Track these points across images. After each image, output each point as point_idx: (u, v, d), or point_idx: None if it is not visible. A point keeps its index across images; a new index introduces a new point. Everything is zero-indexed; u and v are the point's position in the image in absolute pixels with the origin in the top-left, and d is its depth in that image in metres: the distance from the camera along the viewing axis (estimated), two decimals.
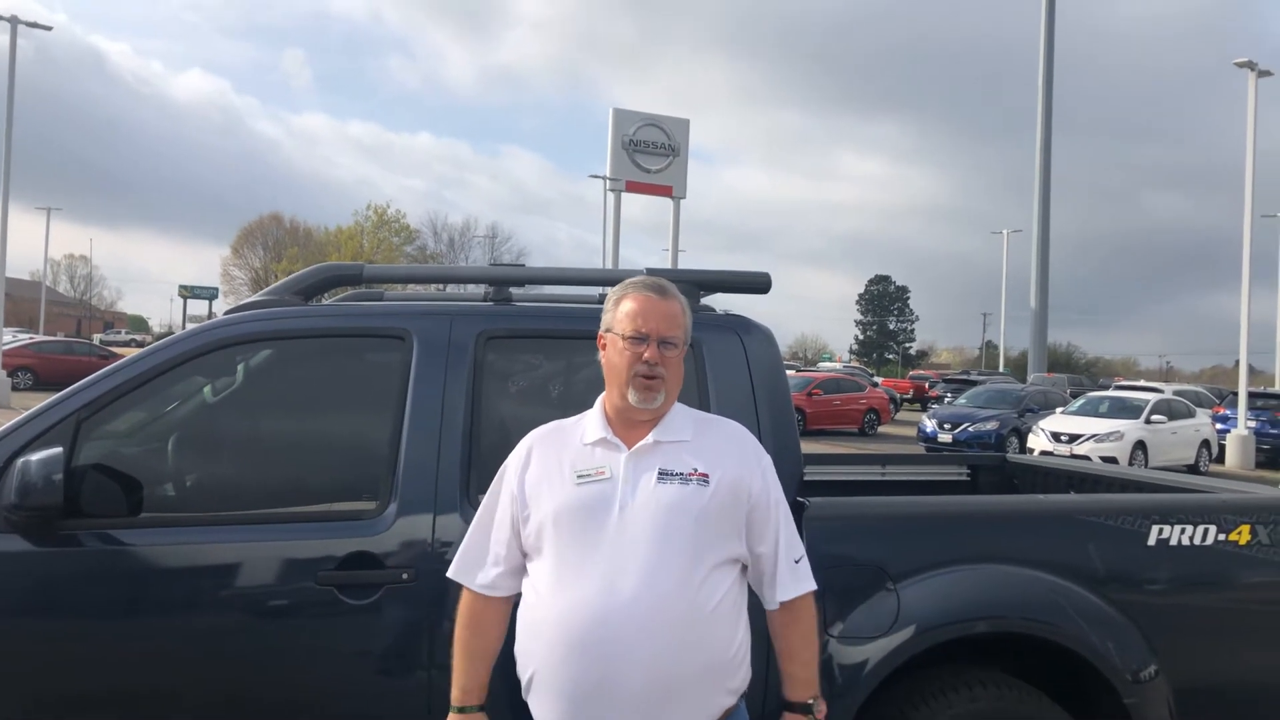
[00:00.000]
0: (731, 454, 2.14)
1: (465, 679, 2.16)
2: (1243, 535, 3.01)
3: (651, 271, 3.01)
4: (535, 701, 2.06)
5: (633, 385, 2.08)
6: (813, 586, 2.18)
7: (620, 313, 2.13)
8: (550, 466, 2.12)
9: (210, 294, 67.31)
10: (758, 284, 3.24)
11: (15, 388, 25.19)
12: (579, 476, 2.07)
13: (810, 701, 2.14)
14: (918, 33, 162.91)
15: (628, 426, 2.12)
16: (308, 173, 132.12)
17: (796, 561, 2.17)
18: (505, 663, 2.15)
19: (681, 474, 2.06)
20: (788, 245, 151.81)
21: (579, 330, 2.91)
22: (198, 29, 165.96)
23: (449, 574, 2.22)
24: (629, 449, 2.09)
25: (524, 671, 2.08)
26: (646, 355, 2.07)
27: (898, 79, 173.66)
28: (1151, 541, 2.94)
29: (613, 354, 2.13)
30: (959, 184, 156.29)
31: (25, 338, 34.66)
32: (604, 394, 2.18)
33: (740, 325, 3.06)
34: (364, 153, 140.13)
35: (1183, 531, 2.97)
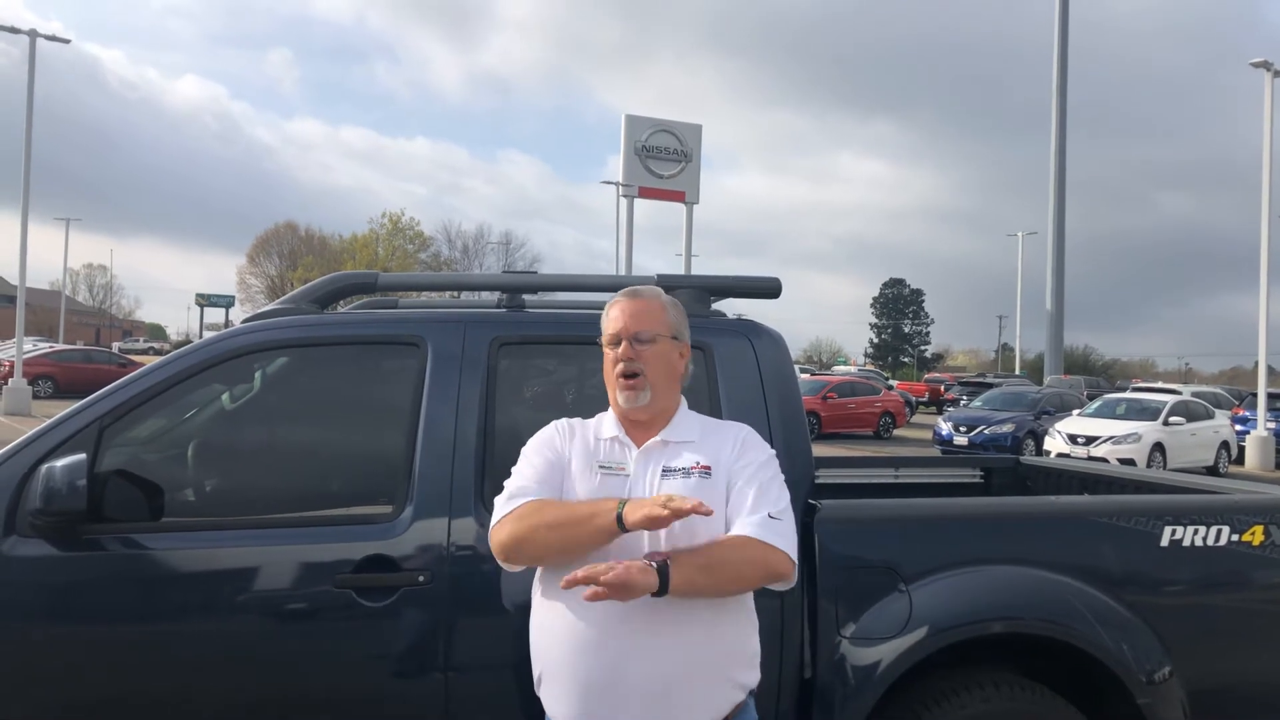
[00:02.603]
0: (727, 447, 2.19)
1: (588, 506, 2.02)
2: (1256, 536, 3.01)
3: (663, 278, 3.04)
4: (547, 695, 2.11)
5: (618, 388, 2.17)
6: (776, 541, 2.01)
7: (604, 322, 2.24)
8: (580, 454, 2.19)
9: (227, 302, 67.84)
10: (768, 289, 3.27)
11: (36, 396, 25.43)
12: (602, 466, 2.15)
13: (666, 562, 1.93)
14: (912, 31, 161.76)
15: (634, 428, 2.21)
16: (308, 179, 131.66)
17: (771, 516, 2.04)
18: (519, 661, 2.17)
19: (684, 469, 2.12)
20: (791, 248, 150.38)
21: (591, 336, 2.94)
22: (185, 35, 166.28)
23: (497, 506, 2.12)
24: (639, 448, 2.17)
25: (536, 666, 2.13)
26: (619, 353, 2.16)
27: (893, 78, 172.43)
28: (1164, 542, 2.95)
29: (605, 362, 2.23)
30: (961, 184, 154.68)
31: (45, 346, 35.02)
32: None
33: (750, 329, 3.09)
34: (360, 159, 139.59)
35: (1196, 532, 2.97)
